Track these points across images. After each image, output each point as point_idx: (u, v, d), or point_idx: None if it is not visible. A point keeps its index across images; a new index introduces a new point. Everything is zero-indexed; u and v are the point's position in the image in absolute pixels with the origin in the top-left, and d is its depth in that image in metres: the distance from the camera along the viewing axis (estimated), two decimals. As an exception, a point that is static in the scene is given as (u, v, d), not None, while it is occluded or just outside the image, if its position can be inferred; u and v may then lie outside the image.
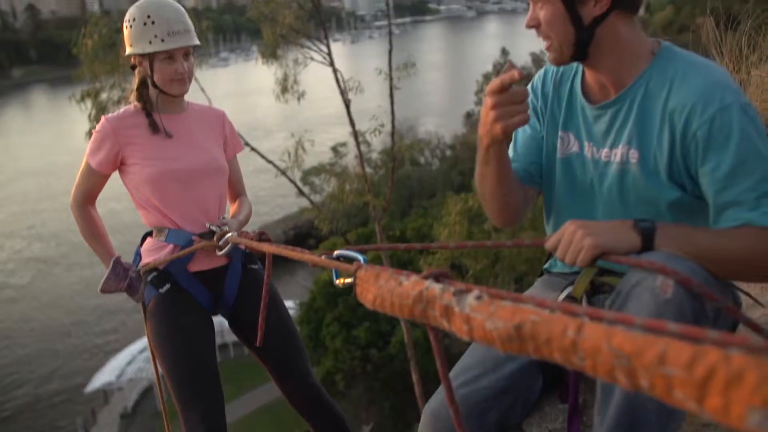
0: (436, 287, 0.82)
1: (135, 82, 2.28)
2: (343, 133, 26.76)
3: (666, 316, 1.12)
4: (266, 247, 1.83)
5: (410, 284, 0.86)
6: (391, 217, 19.45)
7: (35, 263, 34.58)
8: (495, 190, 1.54)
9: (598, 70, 1.43)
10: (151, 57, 2.15)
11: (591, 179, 1.52)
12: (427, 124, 48.47)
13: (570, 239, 1.24)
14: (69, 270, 32.23)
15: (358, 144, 11.71)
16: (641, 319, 0.48)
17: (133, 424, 21.90)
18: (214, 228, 2.19)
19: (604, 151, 1.46)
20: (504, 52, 42.69)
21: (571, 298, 1.54)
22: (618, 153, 1.43)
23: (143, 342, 22.69)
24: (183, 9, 2.21)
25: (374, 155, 29.03)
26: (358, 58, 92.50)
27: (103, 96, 10.91)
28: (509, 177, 1.55)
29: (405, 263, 19.00)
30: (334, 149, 32.86)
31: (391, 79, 11.02)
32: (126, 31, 2.20)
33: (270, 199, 39.67)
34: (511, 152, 1.69)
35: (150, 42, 2.12)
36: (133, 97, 2.28)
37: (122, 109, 2.29)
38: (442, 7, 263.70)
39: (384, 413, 18.38)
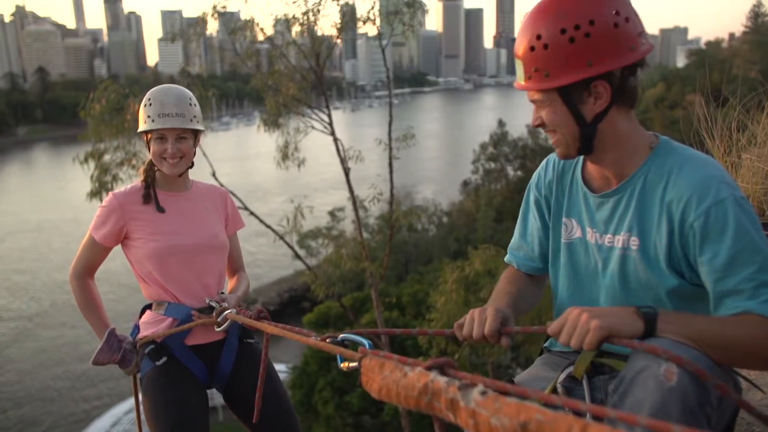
0: (441, 380, 0.83)
1: (147, 160, 2.41)
2: (340, 197, 27.06)
3: (671, 403, 1.14)
4: (265, 327, 1.86)
5: (415, 376, 0.88)
6: (387, 281, 19.36)
7: (25, 321, 34.07)
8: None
9: (601, 162, 1.50)
10: (148, 136, 2.30)
11: (594, 263, 1.56)
12: (424, 191, 49.00)
13: (575, 322, 1.26)
14: (56, 329, 31.74)
15: (356, 211, 11.83)
16: (644, 418, 0.51)
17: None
18: (213, 304, 2.24)
19: (607, 237, 1.51)
20: (501, 123, 43.67)
21: (571, 377, 1.56)
22: (620, 240, 1.48)
23: (129, 403, 22.10)
24: (186, 95, 2.31)
25: (371, 220, 29.19)
26: (358, 126, 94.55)
27: (107, 157, 11.08)
28: (521, 309, 1.67)
29: (400, 328, 18.77)
30: (332, 213, 33.07)
31: (390, 149, 11.26)
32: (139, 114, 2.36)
33: (266, 260, 39.59)
34: (519, 241, 1.80)
35: (144, 122, 2.28)
36: (140, 172, 2.40)
37: (129, 185, 2.39)
38: (441, 80, 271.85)
39: (376, 485, 17.72)
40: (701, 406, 1.16)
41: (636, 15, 1.39)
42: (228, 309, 2.18)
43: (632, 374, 1.22)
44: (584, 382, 1.53)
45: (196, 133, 2.35)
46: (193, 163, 2.41)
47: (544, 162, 1.74)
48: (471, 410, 0.75)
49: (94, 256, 2.32)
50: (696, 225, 1.33)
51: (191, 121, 2.29)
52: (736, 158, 2.83)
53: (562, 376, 1.57)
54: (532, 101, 1.48)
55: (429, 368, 0.90)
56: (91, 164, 11.01)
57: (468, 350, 11.57)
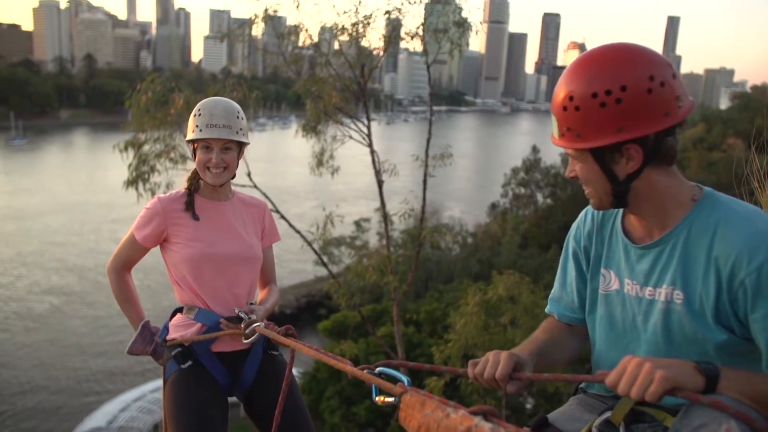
0: (486, 426, 0.84)
1: (192, 169, 2.48)
2: (367, 207, 27.10)
3: None
4: (292, 344, 1.93)
5: (458, 418, 0.89)
6: (405, 297, 19.31)
7: (56, 296, 34.80)
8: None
9: (641, 214, 1.49)
10: (195, 144, 2.37)
11: (633, 316, 1.54)
12: (451, 209, 48.80)
13: (636, 372, 1.22)
14: (86, 306, 32.32)
15: (386, 224, 11.83)
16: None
17: (116, 474, 21.21)
18: (241, 314, 2.30)
19: (648, 290, 1.49)
20: (534, 149, 43.38)
21: (608, 422, 1.53)
22: (662, 293, 1.45)
23: (140, 390, 22.29)
24: (235, 108, 2.39)
25: (396, 234, 29.17)
26: (392, 139, 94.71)
27: (146, 148, 11.27)
28: (554, 358, 1.67)
29: (415, 345, 18.70)
30: (358, 224, 33.13)
31: (426, 166, 11.24)
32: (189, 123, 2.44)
33: (288, 263, 39.89)
34: (560, 291, 1.79)
35: (192, 131, 2.35)
36: (185, 180, 2.48)
37: (173, 191, 2.48)
38: (478, 100, 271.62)
39: (378, 499, 17.57)
40: None
41: (674, 77, 1.35)
42: (256, 321, 2.24)
43: (689, 430, 1.20)
44: (621, 429, 1.50)
45: (240, 145, 2.41)
46: (235, 174, 2.47)
47: (583, 212, 1.72)
48: None
49: (134, 253, 2.40)
50: (747, 282, 1.30)
51: (237, 133, 2.35)
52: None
53: (599, 420, 1.54)
54: (567, 155, 1.49)
55: (474, 413, 0.90)
56: (131, 153, 11.21)
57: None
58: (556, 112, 1.43)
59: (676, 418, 1.27)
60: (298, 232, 11.85)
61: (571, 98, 1.38)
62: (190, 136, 2.36)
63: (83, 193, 55.20)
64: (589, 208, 1.67)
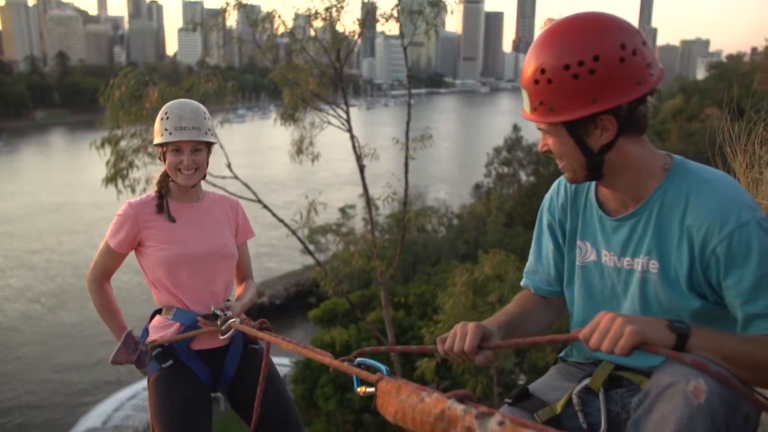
0: (458, 407, 0.84)
1: (161, 171, 2.48)
2: (352, 194, 27.11)
3: (697, 421, 1.13)
4: (266, 337, 1.97)
5: (432, 401, 0.89)
6: (394, 281, 19.37)
7: (48, 297, 34.53)
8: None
9: (614, 187, 1.48)
10: (163, 150, 2.37)
11: (612, 286, 1.55)
12: (436, 191, 48.92)
13: (608, 326, 1.24)
14: (81, 304, 32.18)
15: (370, 210, 11.81)
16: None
17: (113, 473, 21.21)
18: (217, 312, 2.34)
19: (626, 260, 1.50)
20: (516, 128, 43.51)
21: (587, 389, 1.56)
22: (639, 263, 1.47)
23: (133, 389, 22.24)
24: (201, 110, 2.40)
25: (381, 219, 29.19)
26: (373, 124, 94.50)
27: (123, 144, 11.13)
28: (525, 330, 1.63)
29: (406, 329, 18.81)
30: (343, 210, 33.10)
31: (407, 149, 11.22)
32: (155, 126, 2.43)
33: (276, 253, 39.82)
34: (535, 265, 1.78)
35: (161, 134, 2.35)
36: (155, 183, 2.48)
37: (144, 195, 2.48)
38: (458, 81, 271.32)
39: (373, 483, 17.74)
40: (728, 426, 1.15)
41: (645, 44, 1.34)
42: (232, 317, 2.28)
43: (659, 389, 1.21)
44: (600, 395, 1.53)
45: (209, 145, 2.44)
46: (205, 174, 2.49)
47: (555, 184, 1.72)
48: None
49: (111, 261, 2.42)
50: (719, 250, 1.31)
51: (206, 134, 2.38)
52: (758, 174, 2.81)
53: (579, 387, 1.57)
54: (539, 129, 1.47)
55: (449, 398, 0.90)
56: (108, 150, 11.07)
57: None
58: (527, 86, 1.39)
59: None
60: (281, 221, 11.81)
61: (542, 71, 1.35)
62: (158, 139, 2.36)
63: (68, 193, 54.68)
64: (562, 179, 1.66)
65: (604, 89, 1.30)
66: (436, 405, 0.88)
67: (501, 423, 0.77)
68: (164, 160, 2.38)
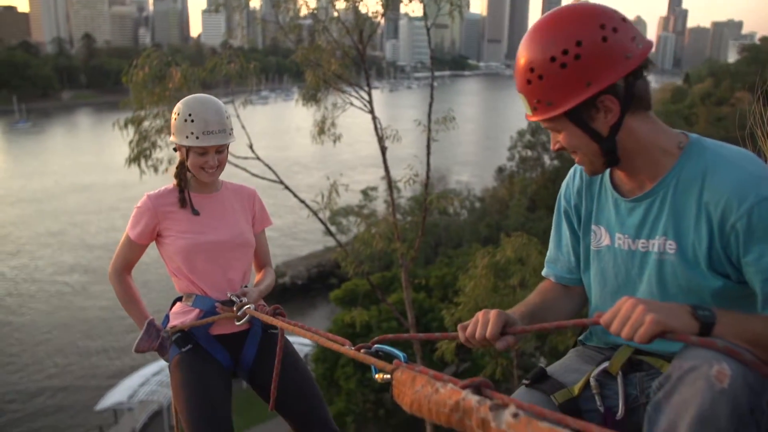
0: (473, 399, 0.84)
1: (177, 162, 2.52)
2: (375, 175, 27.11)
3: (720, 406, 1.11)
4: (281, 323, 2.02)
5: (447, 392, 0.90)
6: (415, 263, 19.40)
7: (79, 274, 35.38)
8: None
9: (631, 169, 1.47)
10: (187, 148, 2.40)
11: (627, 270, 1.53)
12: (459, 174, 48.67)
13: (628, 314, 1.22)
14: (102, 284, 32.93)
15: (391, 192, 11.77)
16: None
17: (140, 446, 21.79)
18: (234, 298, 2.38)
19: (641, 242, 1.48)
20: (540, 110, 42.93)
21: (606, 372, 1.55)
22: (655, 244, 1.45)
23: (158, 364, 22.71)
24: (223, 109, 2.43)
25: (403, 201, 29.16)
26: (396, 106, 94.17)
27: (146, 124, 11.22)
28: (546, 319, 1.61)
29: (426, 311, 18.87)
30: (365, 192, 33.14)
31: (429, 131, 11.13)
32: (172, 122, 2.42)
33: (299, 234, 40.14)
34: (555, 253, 1.78)
35: (187, 137, 2.37)
36: (172, 175, 2.53)
37: (162, 187, 2.52)
38: (482, 64, 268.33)
39: (393, 461, 17.97)
40: (752, 411, 1.13)
41: (624, 21, 1.34)
42: (248, 304, 2.33)
43: (681, 372, 1.19)
44: (619, 378, 1.51)
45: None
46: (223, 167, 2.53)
47: (571, 170, 1.71)
48: None
49: (131, 253, 2.48)
50: (739, 225, 1.29)
51: (230, 134, 2.43)
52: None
53: (597, 370, 1.55)
54: (547, 128, 1.47)
55: (465, 387, 0.90)
56: (131, 130, 11.17)
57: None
58: (522, 89, 1.41)
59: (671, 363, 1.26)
60: (302, 201, 11.85)
61: (532, 69, 1.37)
62: (184, 141, 2.36)
63: (95, 173, 55.64)
64: (577, 166, 1.65)
65: (595, 71, 1.31)
66: (451, 396, 0.88)
67: (515, 415, 0.77)
68: (185, 158, 2.41)
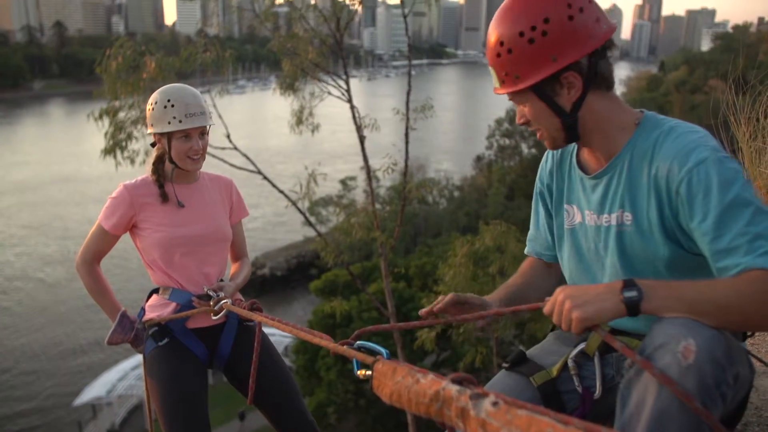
0: (452, 388, 0.84)
1: (153, 157, 2.47)
2: (355, 165, 27.08)
3: (687, 381, 1.14)
4: (259, 317, 2.01)
5: (427, 383, 0.90)
6: (395, 253, 19.41)
7: (61, 265, 34.93)
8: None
9: (590, 146, 1.55)
10: (169, 135, 2.36)
11: (595, 245, 1.58)
12: (437, 163, 48.78)
13: (560, 310, 1.29)
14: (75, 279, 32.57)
15: (370, 182, 11.75)
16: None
17: (119, 441, 21.65)
18: (210, 292, 2.37)
19: (604, 217, 1.54)
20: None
21: (583, 353, 1.59)
22: (615, 217, 1.51)
23: (136, 359, 22.54)
24: (199, 93, 2.43)
25: (383, 191, 29.19)
26: (374, 95, 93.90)
27: (121, 115, 11.04)
28: (529, 299, 1.70)
29: (406, 300, 18.96)
30: (344, 182, 33.06)
31: (407, 120, 11.12)
32: (148, 113, 2.39)
33: (280, 224, 39.96)
34: (534, 232, 1.87)
35: (169, 122, 2.34)
36: (149, 170, 2.46)
37: (139, 177, 2.47)
38: (460, 52, 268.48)
39: (374, 451, 18.09)
40: (717, 385, 1.16)
41: (590, 2, 1.41)
42: (225, 299, 2.32)
43: (650, 349, 1.22)
44: (596, 359, 1.56)
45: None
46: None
47: (546, 153, 1.77)
48: (481, 420, 0.76)
49: (104, 244, 2.43)
50: (681, 190, 1.33)
51: (210, 117, 2.43)
52: (761, 144, 2.78)
53: (575, 352, 1.60)
54: (513, 101, 1.54)
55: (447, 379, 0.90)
56: (106, 121, 10.99)
57: (473, 324, 11.62)
58: (492, 62, 1.48)
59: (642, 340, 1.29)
60: (281, 192, 11.78)
61: (501, 43, 1.44)
62: (166, 128, 2.33)
63: (74, 163, 54.85)
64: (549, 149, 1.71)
65: (560, 47, 1.39)
66: (431, 386, 0.89)
67: (495, 403, 0.77)
68: (167, 148, 2.37)
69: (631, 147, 1.47)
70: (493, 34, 1.47)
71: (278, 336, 18.90)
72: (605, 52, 1.44)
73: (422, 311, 1.66)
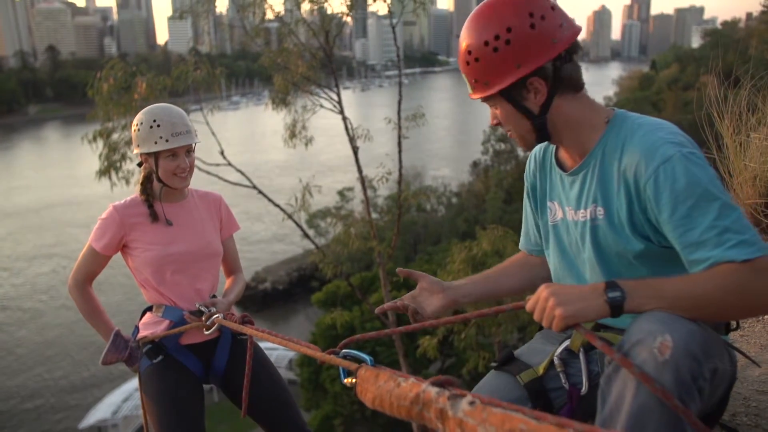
0: (432, 390, 0.87)
1: (141, 177, 2.49)
2: (351, 177, 27.15)
3: (663, 376, 1.16)
4: (249, 330, 2.04)
5: (408, 386, 0.92)
6: (395, 261, 19.40)
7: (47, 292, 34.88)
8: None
9: (563, 144, 1.60)
10: (156, 155, 2.38)
11: (576, 241, 1.63)
12: (434, 170, 48.82)
13: (543, 306, 1.31)
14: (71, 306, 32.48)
15: (365, 190, 11.79)
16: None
17: (126, 462, 21.52)
18: (202, 308, 2.39)
19: (581, 212, 1.59)
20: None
21: (568, 350, 1.62)
22: (589, 212, 1.56)
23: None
24: (184, 113, 2.46)
25: (380, 200, 29.19)
26: (368, 106, 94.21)
27: (115, 136, 11.09)
28: (505, 286, 1.86)
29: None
30: (341, 193, 33.07)
31: (399, 128, 11.17)
32: (134, 134, 2.42)
33: (277, 239, 39.94)
34: (526, 228, 1.94)
35: (156, 142, 2.36)
36: (137, 190, 2.49)
37: (129, 198, 2.49)
38: (452, 59, 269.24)
39: (382, 463, 17.97)
40: (694, 380, 1.18)
41: (553, 9, 1.46)
42: (217, 314, 2.34)
43: (628, 346, 1.24)
44: (581, 356, 1.59)
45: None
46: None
47: (531, 153, 1.82)
48: (459, 420, 0.78)
49: (95, 265, 2.45)
50: (648, 187, 1.36)
51: (196, 135, 2.46)
52: (745, 138, 2.80)
53: (560, 349, 1.63)
54: (486, 104, 1.60)
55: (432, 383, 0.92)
56: (100, 143, 11.03)
57: (474, 329, 11.63)
58: (462, 69, 1.55)
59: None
60: (276, 205, 11.81)
61: (469, 52, 1.51)
62: (153, 148, 2.35)
63: (75, 186, 54.98)
64: (537, 147, 1.77)
65: (523, 54, 1.44)
66: (411, 389, 0.90)
67: (472, 403, 0.79)
68: (155, 167, 2.39)
69: (603, 144, 1.51)
70: (462, 42, 1.53)
71: (281, 350, 18.87)
72: (570, 55, 1.48)
73: (378, 309, 1.87)
